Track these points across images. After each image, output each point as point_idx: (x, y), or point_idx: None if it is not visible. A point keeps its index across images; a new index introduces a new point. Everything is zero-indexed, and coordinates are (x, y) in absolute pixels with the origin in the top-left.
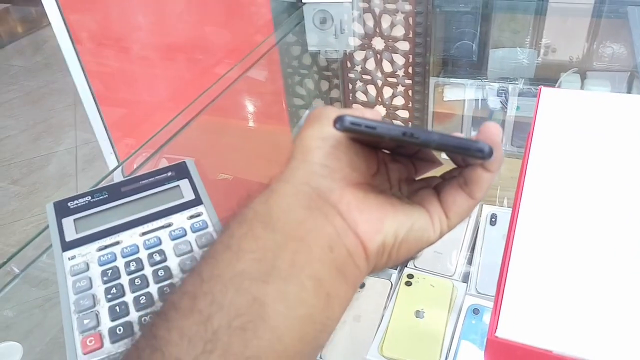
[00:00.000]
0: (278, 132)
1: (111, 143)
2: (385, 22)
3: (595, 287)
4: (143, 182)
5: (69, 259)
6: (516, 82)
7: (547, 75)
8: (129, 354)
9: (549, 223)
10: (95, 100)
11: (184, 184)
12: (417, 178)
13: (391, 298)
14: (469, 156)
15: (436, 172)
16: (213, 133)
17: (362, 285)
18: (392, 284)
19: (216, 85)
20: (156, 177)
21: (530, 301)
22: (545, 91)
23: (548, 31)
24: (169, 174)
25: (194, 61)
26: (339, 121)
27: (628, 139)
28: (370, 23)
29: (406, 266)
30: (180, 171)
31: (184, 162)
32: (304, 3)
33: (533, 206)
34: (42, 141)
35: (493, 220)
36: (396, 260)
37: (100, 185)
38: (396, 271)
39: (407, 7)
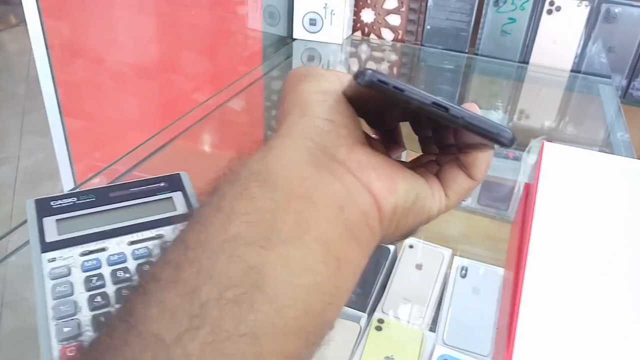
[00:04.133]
0: None
1: (69, 156)
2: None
3: (605, 345)
4: (133, 189)
5: (48, 260)
6: None
7: (518, 139)
8: (100, 335)
9: (556, 283)
10: (60, 111)
11: (177, 196)
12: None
13: (359, 343)
14: (489, 140)
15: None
16: (184, 159)
17: None
18: (361, 328)
19: (193, 112)
20: (148, 186)
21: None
22: (548, 146)
23: (524, 97)
24: (162, 184)
25: (170, 83)
26: (363, 75)
27: (632, 202)
28: (355, 68)
29: (374, 311)
30: (173, 183)
31: (179, 174)
32: (295, 39)
33: (540, 265)
34: None
35: (463, 272)
36: (402, 231)
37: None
38: (365, 315)
39: (394, 57)
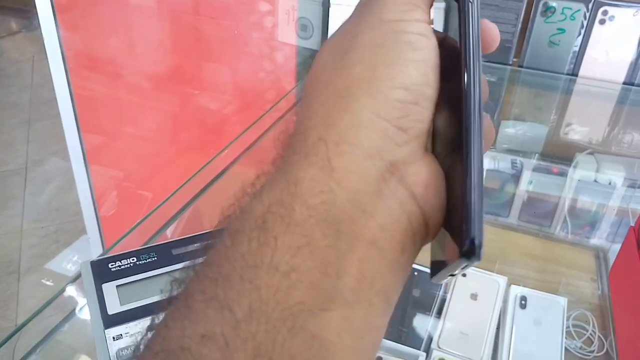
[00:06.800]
0: None
1: (87, 172)
2: None
3: None
4: (197, 245)
5: (114, 338)
6: (531, 157)
7: (563, 154)
8: None
9: None
10: (77, 125)
11: None
12: None
13: None
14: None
15: None
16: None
17: None
18: None
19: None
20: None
21: None
22: None
23: (571, 110)
24: None
25: (201, 98)
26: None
27: None
28: None
29: (430, 347)
30: None
31: None
32: None
33: None
34: None
35: (523, 302)
36: None
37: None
38: (423, 353)
39: None
